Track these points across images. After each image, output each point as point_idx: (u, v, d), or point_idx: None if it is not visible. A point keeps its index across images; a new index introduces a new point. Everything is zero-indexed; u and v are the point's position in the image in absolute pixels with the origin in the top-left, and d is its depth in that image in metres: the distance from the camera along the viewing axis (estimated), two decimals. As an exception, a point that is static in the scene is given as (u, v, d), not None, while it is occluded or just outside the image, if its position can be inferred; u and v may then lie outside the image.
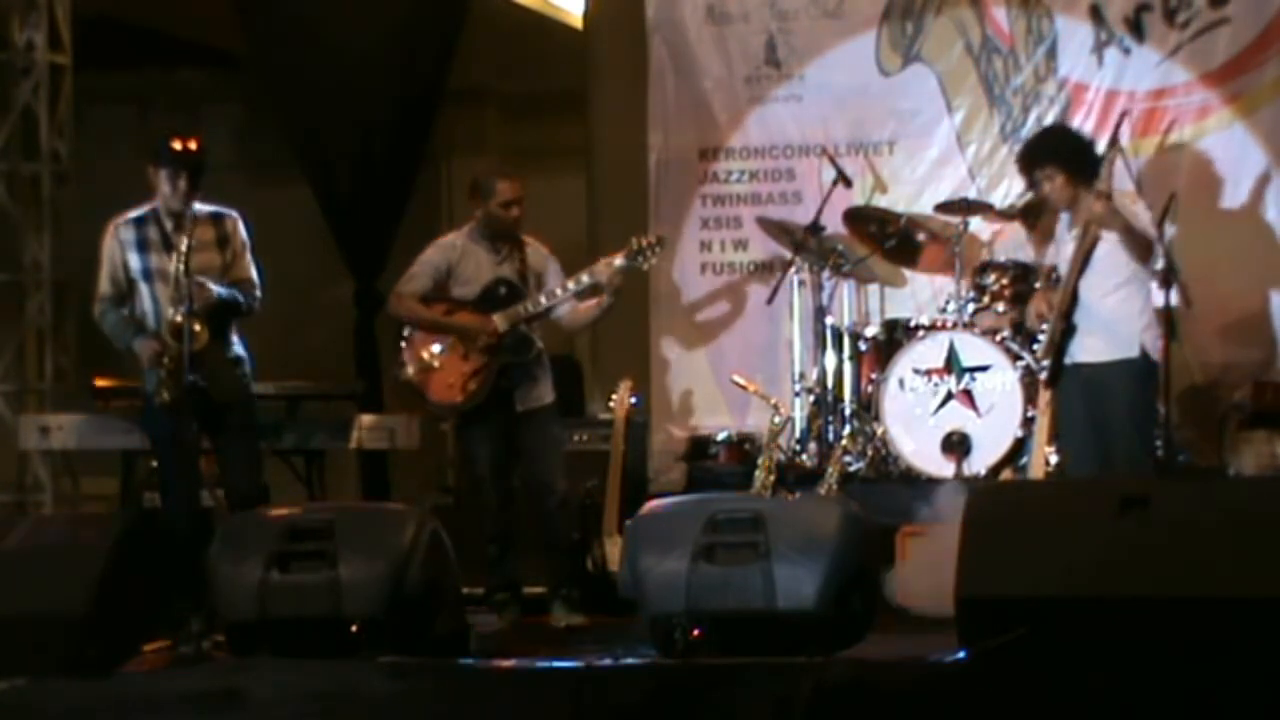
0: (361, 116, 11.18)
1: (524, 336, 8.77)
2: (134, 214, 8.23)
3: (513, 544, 8.85)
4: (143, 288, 8.19)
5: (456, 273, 8.85)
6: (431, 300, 8.85)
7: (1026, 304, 9.70)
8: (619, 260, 8.84)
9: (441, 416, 9.48)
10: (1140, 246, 8.21)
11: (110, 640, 6.96)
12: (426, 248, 9.00)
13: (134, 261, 8.18)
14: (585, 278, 8.79)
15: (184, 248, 8.02)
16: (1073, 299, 8.25)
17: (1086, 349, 8.24)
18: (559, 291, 8.77)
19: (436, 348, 8.81)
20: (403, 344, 8.94)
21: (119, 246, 8.20)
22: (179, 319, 8.00)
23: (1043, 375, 8.53)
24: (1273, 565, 5.95)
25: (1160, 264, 8.30)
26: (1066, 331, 8.27)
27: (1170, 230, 9.95)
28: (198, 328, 8.02)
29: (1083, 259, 8.24)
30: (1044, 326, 8.46)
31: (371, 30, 11.15)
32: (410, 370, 8.87)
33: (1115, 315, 8.21)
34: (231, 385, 8.23)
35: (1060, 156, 8.30)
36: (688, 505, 7.21)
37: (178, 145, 8.20)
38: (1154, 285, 9.54)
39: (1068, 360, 8.30)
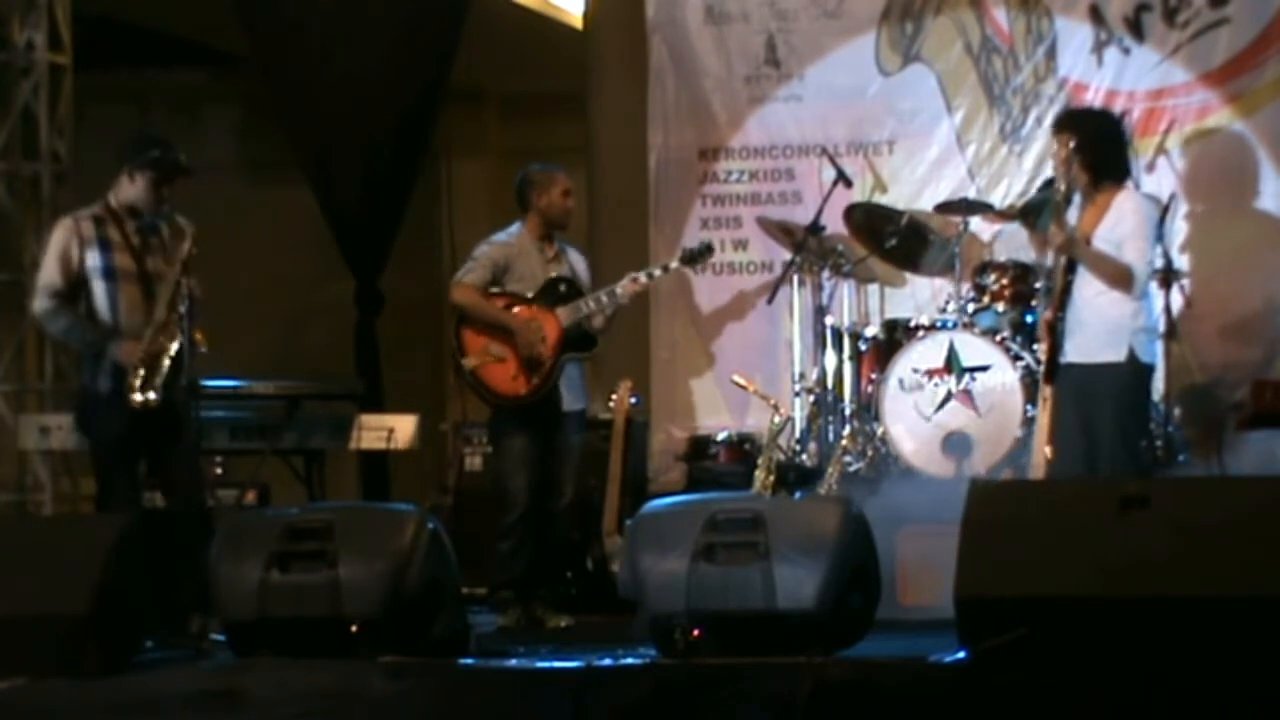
0: (361, 116, 11.18)
1: (585, 333, 8.93)
2: (91, 212, 8.22)
3: (526, 544, 8.85)
4: (100, 286, 8.13)
5: (514, 270, 8.97)
6: (491, 294, 8.92)
7: (1027, 304, 9.71)
8: (674, 263, 9.27)
9: (504, 408, 9.42)
10: (1106, 276, 8.09)
11: (110, 640, 6.96)
12: (480, 243, 9.11)
13: (93, 259, 8.12)
14: (643, 278, 8.95)
15: (184, 254, 8.07)
16: (1065, 297, 8.21)
17: (1076, 348, 8.18)
18: (619, 291, 8.89)
19: (497, 340, 8.88)
20: (462, 333, 8.96)
21: (78, 242, 8.13)
22: (164, 319, 8.03)
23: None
24: (1273, 565, 5.95)
25: (1140, 288, 8.15)
26: (1059, 330, 8.23)
27: (1171, 229, 9.97)
28: (198, 336, 8.08)
29: (1070, 259, 8.21)
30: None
31: (371, 30, 11.15)
32: (473, 361, 8.91)
33: (1105, 316, 8.12)
34: (181, 395, 8.19)
35: (1068, 129, 8.18)
36: (688, 505, 7.21)
37: (175, 155, 8.24)
38: (1153, 285, 9.57)
39: (1061, 359, 8.26)
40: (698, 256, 9.25)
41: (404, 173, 11.39)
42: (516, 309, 8.91)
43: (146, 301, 8.14)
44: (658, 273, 9.16)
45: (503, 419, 9.06)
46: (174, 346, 8.02)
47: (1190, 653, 5.90)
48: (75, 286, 8.15)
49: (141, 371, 8.00)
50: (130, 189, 8.18)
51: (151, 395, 7.99)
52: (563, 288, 8.95)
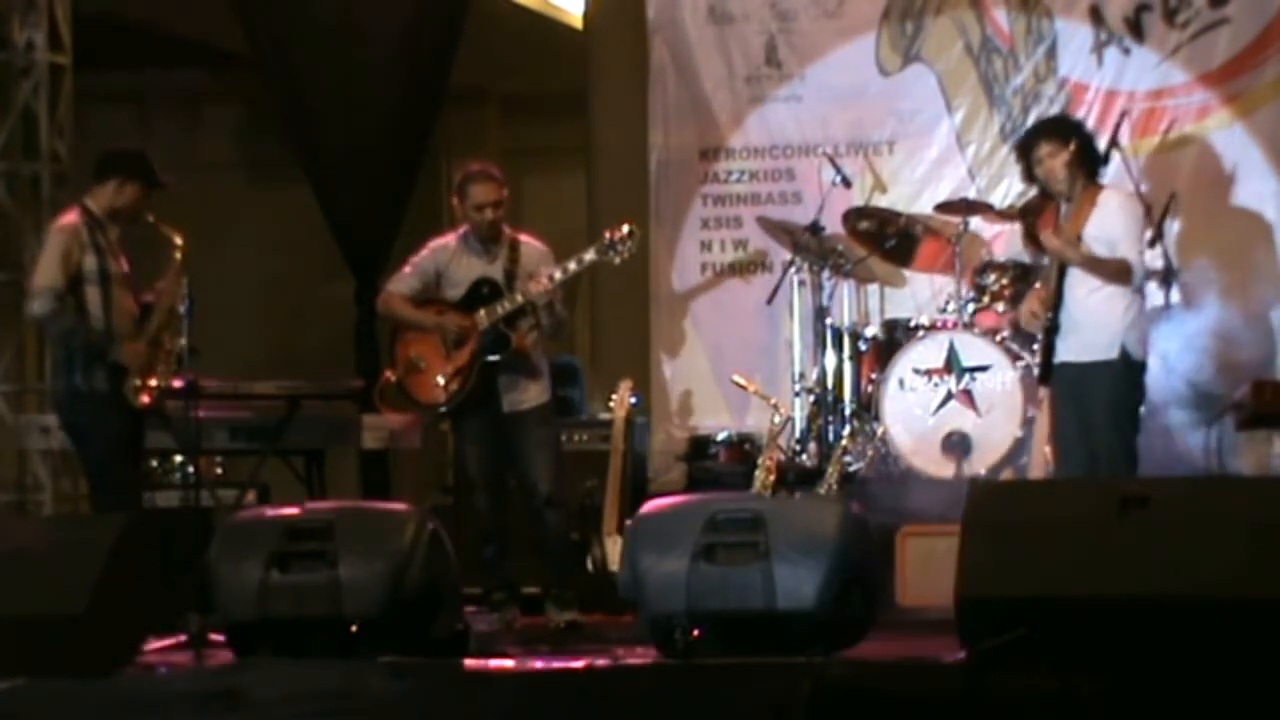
0: (362, 116, 11.17)
1: (500, 335, 8.75)
2: (82, 218, 8.35)
3: (508, 544, 8.85)
4: (94, 290, 8.26)
5: (447, 275, 8.85)
6: (422, 302, 8.86)
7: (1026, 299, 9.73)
8: (589, 254, 8.82)
9: (426, 417, 9.50)
10: (1107, 275, 8.15)
11: (110, 640, 6.96)
12: (422, 248, 9.02)
13: (90, 264, 8.26)
14: (557, 274, 8.78)
15: (178, 261, 8.28)
16: (1058, 297, 8.24)
17: (1069, 348, 8.23)
18: (532, 288, 8.74)
19: (422, 348, 8.82)
20: (395, 346, 8.96)
21: (78, 246, 8.27)
22: (166, 322, 8.24)
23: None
24: (1273, 565, 5.95)
25: (1139, 279, 8.23)
26: (1052, 330, 8.26)
27: (1171, 229, 9.98)
28: (183, 339, 8.25)
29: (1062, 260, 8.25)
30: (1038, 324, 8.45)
31: (372, 30, 11.15)
32: (395, 374, 8.89)
33: (1097, 316, 8.17)
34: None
35: (1067, 136, 8.27)
36: (688, 505, 7.21)
37: (157, 168, 8.48)
38: (1152, 285, 9.58)
39: (1055, 359, 8.30)
40: (614, 246, 8.81)
41: (404, 173, 11.38)
42: (440, 315, 8.82)
43: (133, 305, 8.28)
44: (573, 266, 8.77)
45: (455, 428, 9.07)
46: (178, 349, 8.21)
47: (1190, 653, 5.90)
48: (69, 289, 8.22)
49: (144, 372, 8.10)
50: (119, 197, 8.37)
51: (145, 399, 8.12)
52: (485, 289, 8.77)
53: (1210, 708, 5.68)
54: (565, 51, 12.22)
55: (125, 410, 8.22)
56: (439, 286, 8.86)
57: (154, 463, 9.85)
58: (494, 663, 7.16)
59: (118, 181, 8.37)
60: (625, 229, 8.86)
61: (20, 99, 11.08)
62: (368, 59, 11.17)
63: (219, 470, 10.41)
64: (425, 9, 11.27)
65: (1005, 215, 10.28)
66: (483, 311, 8.74)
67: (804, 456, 10.12)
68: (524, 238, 8.92)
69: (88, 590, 6.89)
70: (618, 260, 8.90)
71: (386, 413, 9.30)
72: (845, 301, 10.56)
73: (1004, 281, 9.88)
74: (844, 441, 9.66)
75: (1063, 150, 8.17)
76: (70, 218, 8.37)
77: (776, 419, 9.34)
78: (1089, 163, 8.26)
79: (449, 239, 8.96)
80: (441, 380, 8.77)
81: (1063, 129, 8.40)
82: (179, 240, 8.37)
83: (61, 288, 8.23)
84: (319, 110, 11.30)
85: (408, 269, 8.93)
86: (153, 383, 8.25)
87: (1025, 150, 8.38)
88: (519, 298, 8.70)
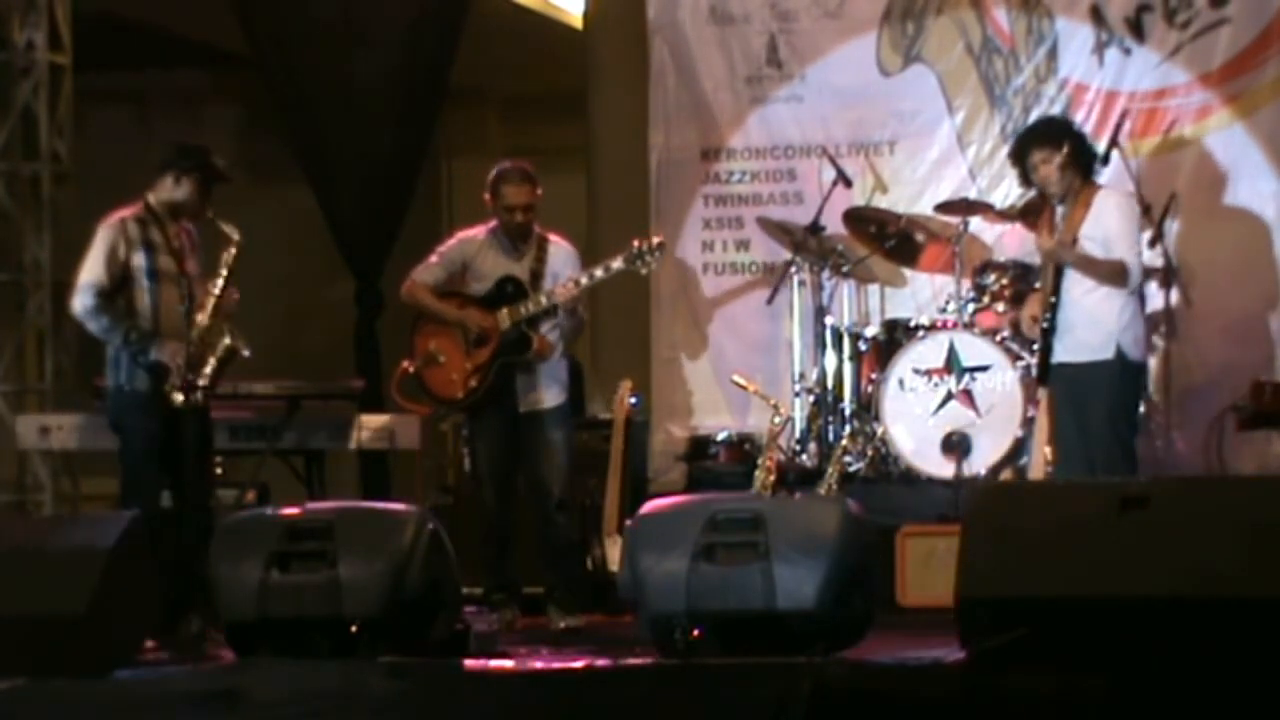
0: (362, 116, 11.19)
1: (522, 335, 8.75)
2: (133, 214, 8.30)
3: (510, 544, 8.84)
4: (145, 286, 8.23)
5: (473, 268, 8.88)
6: (445, 295, 8.87)
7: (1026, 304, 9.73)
8: (616, 263, 8.84)
9: (442, 412, 9.51)
10: (1102, 276, 8.19)
11: (110, 640, 6.95)
12: (450, 238, 9.04)
13: (138, 260, 8.22)
14: (584, 279, 8.79)
15: (230, 260, 8.23)
16: (1055, 298, 8.25)
17: (1066, 349, 8.26)
18: (559, 293, 8.75)
19: (442, 342, 8.82)
20: (415, 336, 8.95)
21: (125, 243, 8.24)
22: (211, 322, 8.19)
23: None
24: (1273, 565, 5.95)
25: (1136, 281, 8.27)
26: (1049, 331, 8.28)
27: (1171, 229, 9.99)
28: (228, 339, 8.18)
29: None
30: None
31: (372, 30, 11.16)
32: (414, 364, 8.90)
33: (1093, 316, 8.21)
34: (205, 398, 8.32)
35: (1058, 139, 8.31)
36: (688, 505, 7.21)
37: (219, 162, 8.48)
38: (1153, 285, 9.60)
39: (1052, 360, 8.31)
40: (641, 256, 8.81)
41: (404, 173, 11.39)
42: (462, 310, 8.84)
43: (184, 303, 8.23)
44: (599, 273, 8.82)
45: (469, 424, 9.08)
46: (219, 349, 8.15)
47: (1190, 653, 5.90)
48: (117, 286, 8.21)
49: (185, 372, 8.09)
50: (176, 191, 8.33)
51: (196, 396, 8.11)
52: (510, 288, 8.79)
53: (1210, 707, 5.68)
54: (565, 51, 12.22)
55: (164, 411, 8.16)
56: (464, 279, 8.88)
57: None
58: (494, 663, 7.15)
59: (175, 176, 8.33)
60: (655, 240, 8.92)
61: (20, 99, 11.09)
62: (368, 59, 11.18)
63: (219, 470, 10.40)
64: (425, 9, 11.28)
65: (1005, 215, 10.29)
66: (505, 311, 8.75)
67: (804, 456, 10.13)
68: (553, 237, 8.95)
69: (88, 590, 6.89)
70: (644, 271, 8.98)
71: (402, 403, 9.29)
72: (845, 301, 10.57)
73: (1004, 281, 9.88)
74: (844, 441, 9.66)
75: (1056, 154, 8.21)
76: (122, 213, 8.34)
77: (776, 419, 9.34)
78: (1083, 163, 8.30)
79: (478, 231, 8.98)
80: (461, 377, 8.79)
81: (1053, 133, 8.44)
82: (236, 236, 8.29)
83: (105, 285, 8.21)
84: (319, 110, 11.31)
85: (434, 259, 8.95)
86: (201, 382, 8.16)
87: (1019, 157, 8.42)
88: (544, 300, 8.72)
